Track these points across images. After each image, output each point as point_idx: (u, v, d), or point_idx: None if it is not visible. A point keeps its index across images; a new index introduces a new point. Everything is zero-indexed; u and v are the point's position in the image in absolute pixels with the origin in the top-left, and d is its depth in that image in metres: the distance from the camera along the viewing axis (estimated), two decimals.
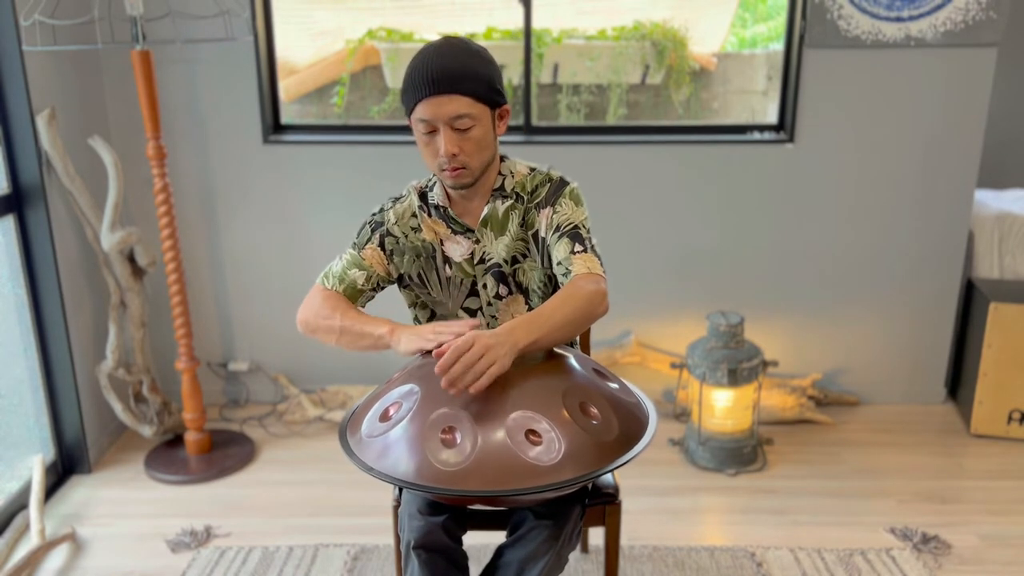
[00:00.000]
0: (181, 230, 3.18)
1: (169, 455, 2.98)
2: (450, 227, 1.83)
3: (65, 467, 2.91)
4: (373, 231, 1.85)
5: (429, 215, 1.84)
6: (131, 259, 2.90)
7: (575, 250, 1.74)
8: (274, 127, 3.19)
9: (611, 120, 3.58)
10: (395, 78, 3.57)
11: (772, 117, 3.20)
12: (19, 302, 2.73)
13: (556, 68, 3.56)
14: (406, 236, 1.84)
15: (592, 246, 1.76)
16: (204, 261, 3.26)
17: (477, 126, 1.68)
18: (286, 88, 3.42)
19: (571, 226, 1.77)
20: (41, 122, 2.64)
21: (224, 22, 2.89)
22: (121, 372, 2.95)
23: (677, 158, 3.12)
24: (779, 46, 3.15)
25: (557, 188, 1.81)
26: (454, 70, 1.63)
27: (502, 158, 1.84)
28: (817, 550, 2.48)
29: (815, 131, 3.07)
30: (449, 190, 1.81)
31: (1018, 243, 3.20)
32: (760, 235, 3.19)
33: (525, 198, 1.82)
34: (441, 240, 1.84)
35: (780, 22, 3.17)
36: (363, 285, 1.84)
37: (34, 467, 2.70)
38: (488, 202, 1.81)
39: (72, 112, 2.84)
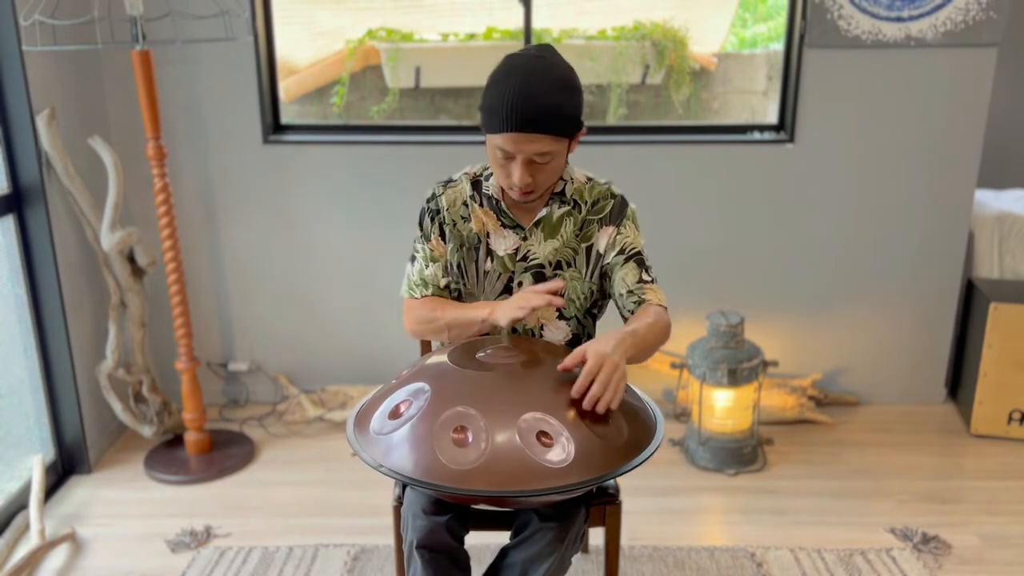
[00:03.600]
0: (181, 230, 3.18)
1: (169, 455, 2.97)
2: (500, 220, 1.84)
3: (65, 467, 2.90)
4: (432, 220, 1.85)
5: (481, 204, 1.84)
6: (131, 259, 2.90)
7: (643, 279, 1.80)
8: (274, 127, 3.19)
9: (611, 120, 3.58)
10: (395, 78, 3.57)
11: (772, 117, 3.20)
12: (19, 302, 2.73)
13: None
14: (455, 224, 1.85)
15: (653, 275, 1.82)
16: (204, 261, 3.25)
17: (555, 158, 1.68)
18: (286, 88, 3.42)
19: (635, 252, 1.82)
20: (41, 122, 2.64)
21: (224, 22, 2.88)
22: (121, 372, 2.95)
23: (677, 158, 3.12)
24: (779, 46, 3.15)
25: (621, 208, 1.84)
26: (544, 110, 1.61)
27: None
28: (817, 550, 2.48)
29: (815, 131, 3.07)
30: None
31: (1018, 243, 3.21)
32: (760, 235, 3.19)
33: (583, 206, 1.83)
34: (488, 232, 1.84)
35: (780, 22, 3.18)
36: (444, 280, 1.86)
37: (34, 467, 2.70)
38: (546, 205, 1.82)
39: (72, 112, 2.84)
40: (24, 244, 2.70)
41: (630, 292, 1.79)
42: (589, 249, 1.84)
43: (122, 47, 2.96)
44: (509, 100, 1.61)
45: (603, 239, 1.83)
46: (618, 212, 1.84)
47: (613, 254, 1.82)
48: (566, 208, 1.82)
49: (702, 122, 3.66)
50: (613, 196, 1.85)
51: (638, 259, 1.82)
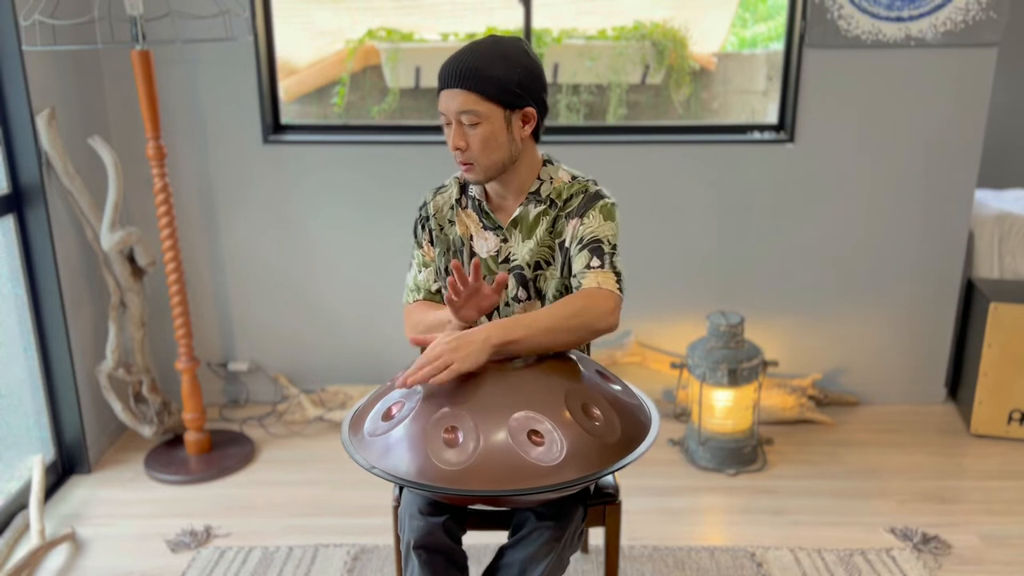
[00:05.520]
0: (181, 230, 3.18)
1: (169, 455, 2.98)
2: (482, 221, 1.85)
3: (65, 467, 2.91)
4: (423, 227, 1.90)
5: (465, 207, 1.87)
6: (131, 259, 2.90)
7: (591, 264, 1.72)
8: (274, 127, 3.19)
9: (611, 120, 3.58)
10: (395, 78, 3.57)
11: (772, 117, 3.20)
12: (19, 302, 2.73)
13: (556, 68, 3.56)
14: (441, 229, 1.88)
15: (612, 262, 1.72)
16: (204, 261, 3.26)
17: (484, 124, 1.69)
18: (286, 88, 3.42)
19: (594, 240, 1.74)
20: (41, 122, 2.64)
21: (224, 22, 2.89)
22: (121, 372, 2.95)
23: (677, 158, 3.12)
24: (779, 46, 3.15)
25: (590, 200, 1.79)
26: (467, 66, 1.67)
27: (546, 162, 1.84)
28: (817, 550, 2.48)
29: (815, 131, 3.07)
30: (486, 186, 1.84)
31: (1018, 243, 3.20)
32: (760, 235, 3.19)
33: (559, 205, 1.82)
34: (471, 235, 1.86)
35: (780, 22, 3.18)
36: (435, 285, 1.90)
37: (34, 467, 2.70)
38: (522, 204, 1.82)
39: (72, 112, 2.84)
40: (24, 244, 2.71)
41: (574, 277, 1.75)
42: (561, 245, 1.83)
43: (122, 47, 2.96)
44: (446, 62, 1.70)
45: (569, 232, 1.80)
46: (584, 205, 1.78)
47: (574, 245, 1.77)
48: (542, 207, 1.82)
49: (702, 122, 3.65)
50: (585, 191, 1.81)
51: (593, 247, 1.73)
